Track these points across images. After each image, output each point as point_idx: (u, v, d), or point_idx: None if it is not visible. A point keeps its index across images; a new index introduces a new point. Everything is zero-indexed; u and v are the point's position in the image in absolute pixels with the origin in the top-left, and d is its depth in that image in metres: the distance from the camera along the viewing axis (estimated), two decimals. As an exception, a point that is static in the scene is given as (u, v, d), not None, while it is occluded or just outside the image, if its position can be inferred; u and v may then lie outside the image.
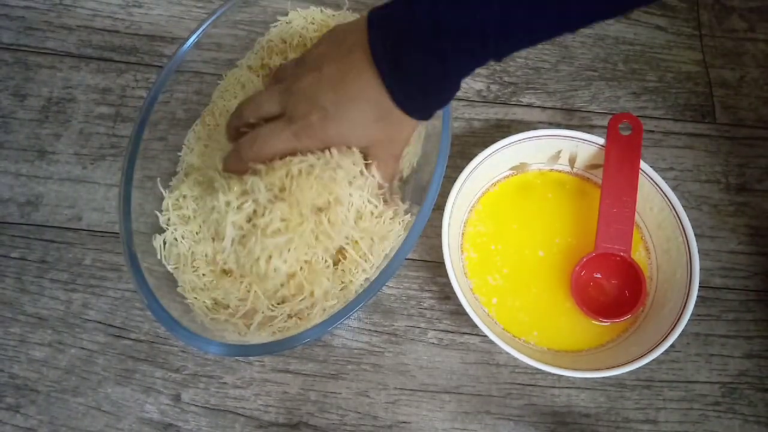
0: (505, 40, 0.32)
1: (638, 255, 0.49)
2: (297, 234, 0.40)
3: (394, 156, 0.41)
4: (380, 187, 0.42)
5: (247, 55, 0.52)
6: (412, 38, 0.33)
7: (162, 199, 0.46)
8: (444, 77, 0.34)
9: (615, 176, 0.48)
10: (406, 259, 0.48)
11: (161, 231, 0.44)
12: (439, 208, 0.46)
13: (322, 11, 0.52)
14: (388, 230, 0.43)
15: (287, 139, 0.38)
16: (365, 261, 0.42)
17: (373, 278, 0.40)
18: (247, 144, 0.39)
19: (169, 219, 0.45)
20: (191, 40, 0.47)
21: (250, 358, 0.47)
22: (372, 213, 0.43)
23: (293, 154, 0.39)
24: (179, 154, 0.49)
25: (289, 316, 0.42)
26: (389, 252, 0.43)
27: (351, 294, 0.42)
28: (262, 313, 0.42)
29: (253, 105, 0.40)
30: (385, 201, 0.43)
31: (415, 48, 0.33)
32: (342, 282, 0.42)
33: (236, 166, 0.40)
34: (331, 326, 0.38)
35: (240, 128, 0.41)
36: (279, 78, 0.41)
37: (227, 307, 0.43)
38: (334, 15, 0.52)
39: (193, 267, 0.44)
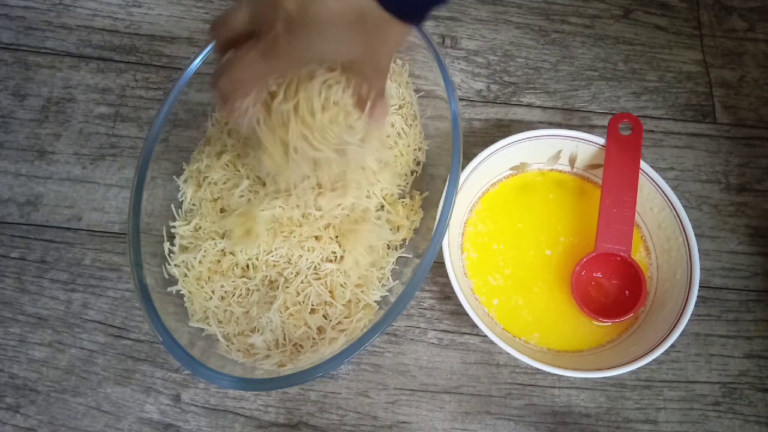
0: None
1: (638, 255, 0.49)
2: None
3: (380, 71, 0.34)
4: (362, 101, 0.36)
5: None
6: None
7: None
8: None
9: (615, 176, 0.48)
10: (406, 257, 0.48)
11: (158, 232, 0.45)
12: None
13: None
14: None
15: (254, 63, 0.32)
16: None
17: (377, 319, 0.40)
18: (217, 78, 0.34)
19: (178, 269, 0.45)
20: (203, 54, 0.47)
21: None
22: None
23: (267, 77, 0.34)
24: (177, 181, 0.49)
25: (296, 346, 0.43)
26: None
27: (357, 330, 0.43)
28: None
29: (221, 21, 0.34)
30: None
31: None
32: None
33: (221, 109, 0.35)
34: (349, 357, 0.38)
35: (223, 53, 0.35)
36: None
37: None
38: None
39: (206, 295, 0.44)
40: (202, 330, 0.43)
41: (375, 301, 0.44)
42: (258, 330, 0.43)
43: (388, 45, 0.32)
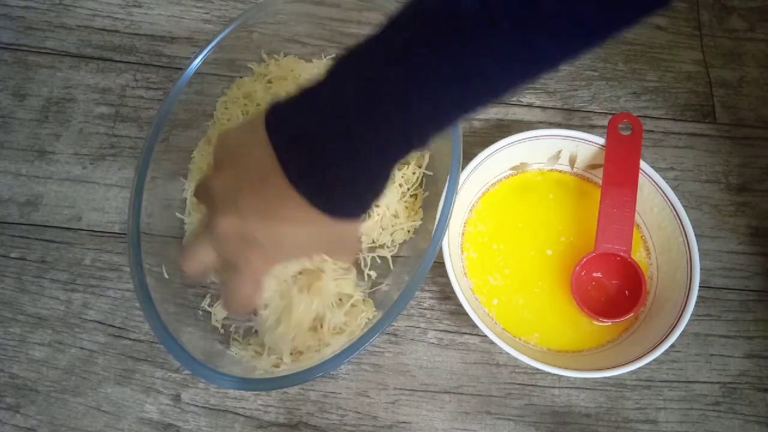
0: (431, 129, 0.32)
1: (638, 255, 0.49)
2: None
3: (352, 252, 0.41)
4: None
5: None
6: (322, 145, 0.29)
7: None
8: (369, 174, 0.31)
9: (615, 176, 0.48)
10: (407, 258, 0.48)
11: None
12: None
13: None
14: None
15: (244, 294, 0.36)
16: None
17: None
18: (229, 306, 0.38)
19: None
20: (203, 54, 0.47)
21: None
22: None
23: (258, 296, 0.38)
24: (183, 180, 0.49)
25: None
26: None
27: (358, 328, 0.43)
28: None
29: (190, 258, 0.36)
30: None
31: (328, 154, 0.29)
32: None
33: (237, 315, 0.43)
34: (349, 357, 0.38)
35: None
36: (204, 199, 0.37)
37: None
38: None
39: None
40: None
41: (375, 302, 0.44)
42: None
43: (352, 233, 0.38)
